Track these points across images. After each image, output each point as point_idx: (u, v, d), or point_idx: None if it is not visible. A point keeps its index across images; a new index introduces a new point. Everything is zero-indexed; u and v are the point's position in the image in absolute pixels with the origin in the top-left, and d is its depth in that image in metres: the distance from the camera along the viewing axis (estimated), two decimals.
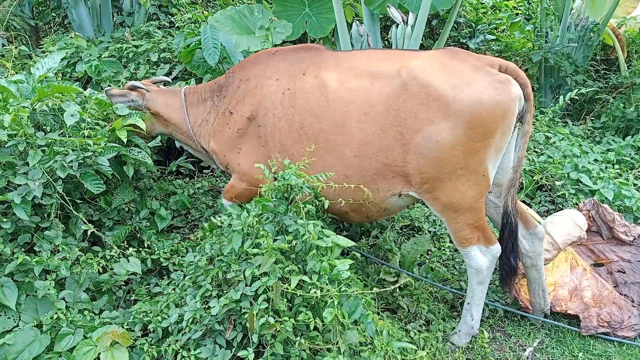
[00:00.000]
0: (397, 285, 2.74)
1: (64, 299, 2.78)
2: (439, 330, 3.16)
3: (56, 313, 2.69)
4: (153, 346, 2.67)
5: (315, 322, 2.30)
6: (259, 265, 2.40)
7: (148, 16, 6.51)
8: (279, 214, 2.59)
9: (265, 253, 2.36)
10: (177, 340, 2.64)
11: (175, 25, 6.06)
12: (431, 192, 2.86)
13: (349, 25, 5.36)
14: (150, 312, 2.86)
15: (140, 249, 3.27)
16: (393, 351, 2.34)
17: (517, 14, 6.79)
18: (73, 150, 2.86)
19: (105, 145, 3.02)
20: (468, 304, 3.10)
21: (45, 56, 4.51)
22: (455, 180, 2.80)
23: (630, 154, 5.00)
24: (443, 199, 2.86)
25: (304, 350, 2.36)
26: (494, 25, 6.33)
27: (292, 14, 5.63)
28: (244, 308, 2.45)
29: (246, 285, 2.46)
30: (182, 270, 3.07)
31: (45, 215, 2.85)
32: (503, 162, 2.97)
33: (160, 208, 3.63)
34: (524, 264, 3.26)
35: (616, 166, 4.58)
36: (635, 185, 4.34)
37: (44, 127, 2.88)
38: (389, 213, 3.20)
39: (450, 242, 3.92)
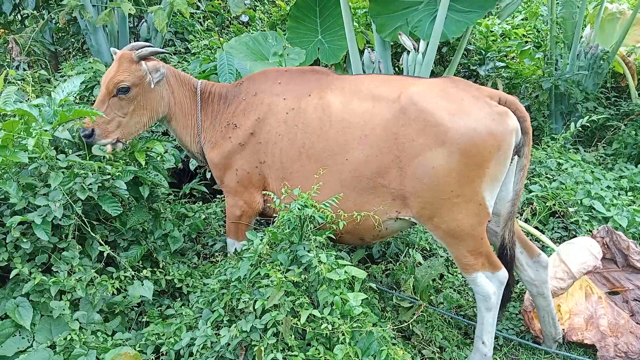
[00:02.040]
0: (412, 319, 2.71)
1: (77, 320, 2.80)
2: (453, 357, 3.12)
3: (70, 334, 2.70)
4: None
5: (327, 357, 2.29)
6: (268, 297, 2.40)
7: (164, 42, 6.67)
8: (292, 243, 2.61)
9: (275, 285, 2.36)
10: None
11: (191, 52, 6.21)
12: (431, 218, 2.88)
13: (361, 52, 5.45)
14: (163, 335, 2.87)
15: (155, 269, 3.29)
16: None
17: (526, 42, 6.87)
18: (92, 172, 2.91)
19: (122, 168, 3.08)
20: (479, 331, 3.07)
21: (64, 80, 4.63)
22: (452, 207, 2.82)
23: None
24: (442, 226, 2.88)
25: None
26: (504, 53, 6.40)
27: (305, 41, 5.75)
28: (253, 340, 2.44)
29: (256, 317, 2.45)
30: (196, 293, 3.08)
31: (64, 236, 2.89)
32: (501, 194, 2.98)
33: (174, 229, 3.65)
34: (531, 292, 3.24)
35: (629, 193, 4.56)
36: None
37: (65, 150, 2.94)
38: (383, 236, 3.21)
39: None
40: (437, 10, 4.91)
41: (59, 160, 2.79)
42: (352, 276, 2.38)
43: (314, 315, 2.30)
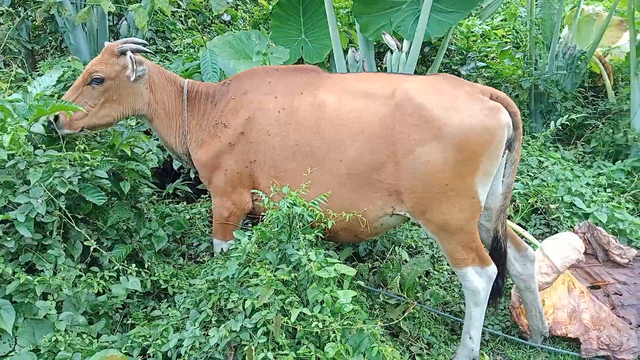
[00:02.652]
0: (401, 317, 2.73)
1: (62, 321, 2.73)
2: (440, 353, 3.15)
3: (54, 335, 2.64)
4: None
5: (318, 355, 2.28)
6: (258, 296, 2.38)
7: (145, 41, 6.57)
8: (281, 242, 2.59)
9: (265, 284, 2.35)
10: None
11: (172, 50, 6.14)
12: (424, 212, 2.91)
13: (345, 52, 5.46)
14: (149, 336, 2.82)
15: (140, 270, 3.24)
16: None
17: (506, 42, 6.97)
18: (71, 165, 2.85)
19: (102, 159, 3.02)
20: (467, 326, 3.10)
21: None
22: (446, 201, 2.85)
23: (620, 178, 5.09)
24: (435, 220, 2.90)
25: None
26: (485, 53, 6.49)
27: (289, 40, 5.74)
28: (243, 340, 2.41)
29: (246, 316, 2.43)
30: (182, 294, 3.04)
31: (48, 233, 2.82)
32: (492, 188, 3.02)
33: (158, 229, 3.60)
34: (518, 287, 3.29)
35: (608, 190, 4.66)
36: (627, 208, 4.40)
37: (40, 145, 2.87)
38: (378, 232, 3.22)
39: (449, 264, 3.93)
40: (420, 10, 4.95)
41: (37, 155, 2.72)
42: (342, 274, 2.38)
43: (304, 314, 2.29)
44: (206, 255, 3.89)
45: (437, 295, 3.58)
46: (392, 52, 5.06)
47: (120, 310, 3.16)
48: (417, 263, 3.65)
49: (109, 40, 6.59)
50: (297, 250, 2.51)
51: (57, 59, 5.95)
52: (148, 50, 3.30)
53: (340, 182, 2.92)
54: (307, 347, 2.30)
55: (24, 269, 2.75)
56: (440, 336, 3.31)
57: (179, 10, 7.15)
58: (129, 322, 3.10)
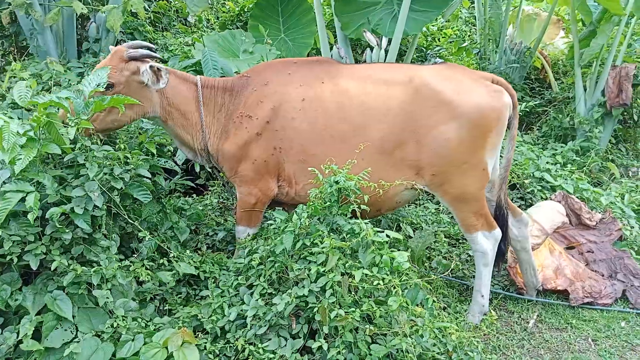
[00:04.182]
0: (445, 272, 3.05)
1: (120, 308, 2.83)
2: (457, 311, 3.54)
3: (115, 321, 2.74)
4: (215, 344, 2.79)
5: (380, 310, 2.57)
6: (322, 262, 2.64)
7: (116, 42, 6.52)
8: (329, 215, 2.85)
9: (329, 251, 2.61)
10: (236, 337, 2.79)
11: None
12: (441, 184, 3.28)
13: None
14: (199, 315, 2.98)
15: (170, 259, 3.36)
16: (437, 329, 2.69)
17: (464, 40, 7.60)
18: (118, 163, 2.96)
19: (142, 158, 3.15)
20: (478, 285, 3.51)
21: (16, 81, 4.48)
22: (461, 173, 3.25)
23: (572, 157, 5.79)
24: (451, 191, 3.29)
25: (369, 335, 2.62)
26: (444, 49, 7.06)
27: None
28: (310, 303, 2.66)
29: (311, 282, 2.67)
30: (225, 275, 3.22)
31: (97, 226, 2.90)
32: (495, 162, 3.47)
33: (179, 221, 3.73)
34: (515, 248, 3.75)
35: (568, 166, 5.31)
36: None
37: (95, 141, 2.96)
38: (396, 207, 3.58)
39: (446, 237, 4.36)
40: (394, 9, 5.38)
41: (94, 150, 2.81)
42: (393, 238, 2.69)
43: (366, 274, 2.57)
44: (222, 243, 4.07)
45: (443, 264, 3.98)
46: (372, 49, 5.44)
47: (157, 297, 3.28)
48: (422, 237, 4.03)
49: (77, 43, 6.51)
50: (347, 221, 2.78)
51: (30, 61, 5.79)
52: (158, 55, 3.36)
53: (368, 161, 3.23)
54: (369, 304, 2.58)
55: (77, 261, 2.82)
56: (453, 297, 3.70)
57: (147, 12, 7.13)
58: (166, 307, 3.24)
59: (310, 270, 2.63)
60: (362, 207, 2.81)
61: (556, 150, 5.93)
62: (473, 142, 3.19)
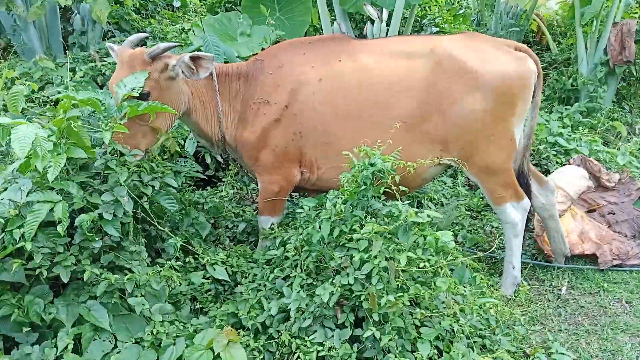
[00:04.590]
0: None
1: (157, 314, 2.75)
2: (490, 286, 3.50)
3: (154, 328, 2.66)
4: (258, 340, 2.72)
5: (429, 292, 2.52)
6: (365, 248, 2.56)
7: (103, 34, 6.27)
8: (364, 199, 2.76)
9: (372, 236, 2.52)
10: (279, 332, 2.72)
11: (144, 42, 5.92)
12: (468, 157, 3.20)
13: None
14: (236, 312, 2.91)
15: (196, 256, 3.27)
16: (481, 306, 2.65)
17: (460, 6, 7.45)
18: (146, 170, 2.85)
19: (168, 166, 3.05)
20: (509, 256, 3.48)
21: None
22: (488, 144, 3.17)
23: (579, 118, 5.75)
24: (478, 163, 3.22)
25: (418, 319, 2.57)
26: (440, 17, 6.92)
27: (262, 20, 5.75)
28: (355, 291, 2.58)
29: (355, 269, 2.59)
30: (258, 268, 3.13)
31: (124, 233, 2.78)
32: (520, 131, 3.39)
33: (199, 216, 3.62)
34: (542, 217, 3.71)
35: (580, 128, 5.27)
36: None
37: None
38: (422, 184, 3.51)
39: (467, 210, 4.31)
40: None
41: (125, 154, 2.67)
42: (433, 217, 2.61)
43: (410, 257, 2.50)
44: (243, 235, 3.97)
45: (469, 238, 3.93)
46: (372, 22, 5.29)
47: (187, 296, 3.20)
48: (446, 212, 3.98)
49: (63, 37, 6.24)
50: (383, 204, 2.70)
51: (15, 60, 5.54)
52: (176, 44, 3.16)
53: (396, 138, 3.12)
54: (416, 288, 2.52)
55: (107, 269, 2.71)
56: (483, 270, 3.67)
57: None
58: (197, 307, 3.15)
59: (353, 257, 2.55)
60: (393, 187, 2.72)
61: (562, 113, 5.89)
62: (499, 111, 3.10)
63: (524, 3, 7.44)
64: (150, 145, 3.07)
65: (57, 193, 2.48)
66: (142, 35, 3.37)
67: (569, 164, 4.37)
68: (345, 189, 2.71)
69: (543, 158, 4.76)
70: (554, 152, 4.74)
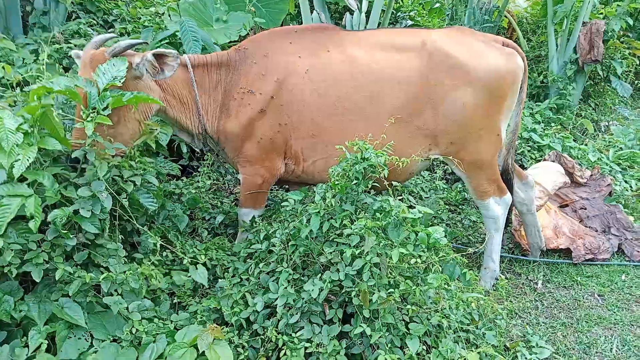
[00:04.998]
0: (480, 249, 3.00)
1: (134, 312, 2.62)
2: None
3: (132, 326, 2.53)
4: (241, 336, 2.64)
5: (420, 289, 2.50)
6: (356, 244, 2.50)
7: (67, 14, 5.94)
8: (354, 193, 2.71)
9: (364, 232, 2.47)
10: (264, 328, 2.65)
11: (110, 23, 5.66)
12: (457, 152, 3.20)
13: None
14: (219, 307, 2.81)
15: (173, 251, 3.14)
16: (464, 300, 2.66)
17: (437, 2, 7.47)
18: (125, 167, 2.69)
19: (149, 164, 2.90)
20: (489, 250, 3.51)
21: None
22: (477, 139, 3.18)
23: (549, 114, 5.88)
24: (467, 158, 3.22)
25: (407, 315, 2.55)
26: (415, 11, 6.92)
27: (239, 6, 5.58)
28: (346, 287, 2.54)
29: (346, 265, 2.54)
30: (235, 261, 3.04)
31: (101, 229, 2.62)
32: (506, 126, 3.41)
33: (176, 208, 3.48)
34: (520, 211, 3.77)
35: (552, 124, 5.39)
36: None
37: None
38: (411, 177, 3.50)
39: (445, 204, 4.34)
40: None
41: (106, 148, 2.50)
42: (424, 213, 2.59)
43: (402, 253, 2.47)
44: (220, 227, 3.86)
45: (448, 232, 3.95)
46: (351, 13, 5.22)
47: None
48: (426, 205, 3.97)
49: (21, 19, 5.87)
50: (374, 199, 2.66)
51: None
52: (139, 41, 2.90)
53: (386, 132, 3.08)
54: (406, 284, 2.50)
55: (80, 267, 2.56)
56: (462, 263, 3.69)
57: None
58: (175, 301, 3.04)
59: (344, 253, 2.50)
60: (386, 182, 2.69)
61: (532, 109, 6.00)
62: (489, 106, 3.11)
63: (496, 0, 7.54)
64: (126, 143, 2.86)
65: (29, 186, 2.31)
66: (108, 35, 3.13)
67: (545, 159, 4.45)
68: (336, 183, 2.65)
69: (518, 153, 4.84)
70: (528, 148, 4.83)
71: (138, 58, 2.82)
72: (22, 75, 4.47)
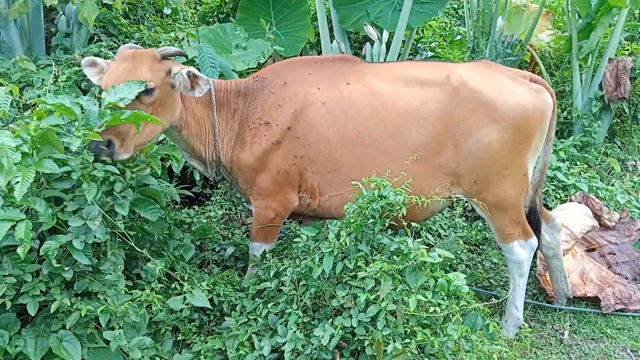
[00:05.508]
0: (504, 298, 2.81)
1: (135, 350, 2.46)
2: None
3: None
4: None
5: (439, 340, 2.31)
6: (371, 289, 2.34)
7: (89, 37, 5.98)
8: (370, 232, 2.56)
9: (380, 276, 2.31)
10: None
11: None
12: (480, 192, 3.04)
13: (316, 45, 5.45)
14: (224, 348, 2.65)
15: (180, 282, 3.00)
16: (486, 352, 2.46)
17: (458, 34, 7.41)
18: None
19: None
20: (512, 296, 3.30)
21: None
22: (502, 180, 3.01)
23: (573, 152, 5.68)
24: (490, 199, 3.05)
25: None
26: (437, 42, 6.85)
27: (258, 33, 5.56)
28: (358, 335, 2.36)
29: (360, 311, 2.37)
30: (250, 302, 2.87)
31: (101, 253, 2.50)
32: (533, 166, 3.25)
33: (184, 237, 3.35)
34: (546, 255, 3.56)
35: (578, 163, 5.19)
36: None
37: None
38: (431, 216, 3.34)
39: (465, 243, 4.14)
40: (394, 1, 5.10)
41: (96, 169, 2.38)
42: (444, 257, 2.41)
43: (419, 300, 2.29)
44: (230, 260, 3.71)
45: (468, 273, 3.75)
46: (372, 43, 5.15)
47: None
48: (445, 245, 3.79)
49: (45, 38, 5.93)
50: (391, 239, 2.50)
51: None
52: (185, 53, 2.99)
53: (407, 169, 2.93)
54: (423, 334, 2.31)
55: (80, 297, 2.43)
56: (483, 310, 3.48)
57: (122, 2, 6.59)
58: (179, 338, 2.88)
59: (357, 297, 2.33)
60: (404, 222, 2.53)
61: (556, 145, 5.81)
62: (515, 145, 2.95)
63: (517, 33, 7.45)
64: (139, 146, 2.77)
65: (23, 211, 2.19)
66: (135, 45, 3.14)
67: (571, 201, 4.25)
68: (351, 221, 2.50)
69: (542, 192, 4.63)
70: (553, 187, 4.63)
71: (178, 67, 2.78)
72: (39, 96, 4.46)
